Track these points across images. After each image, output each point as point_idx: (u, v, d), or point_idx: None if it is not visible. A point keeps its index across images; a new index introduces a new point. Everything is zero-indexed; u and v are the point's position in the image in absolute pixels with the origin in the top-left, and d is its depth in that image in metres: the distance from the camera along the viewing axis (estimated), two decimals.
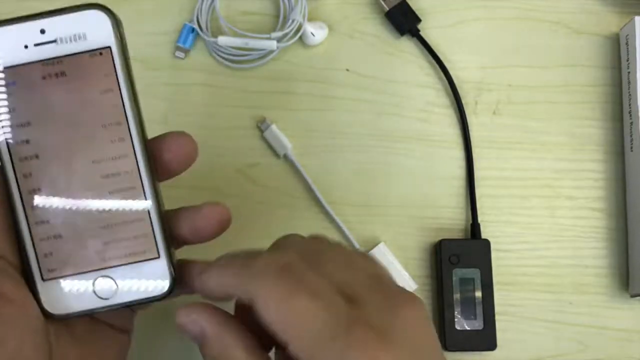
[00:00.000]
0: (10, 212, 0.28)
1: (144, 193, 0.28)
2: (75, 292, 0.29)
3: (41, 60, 0.28)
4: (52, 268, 0.28)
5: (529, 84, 0.46)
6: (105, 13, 0.28)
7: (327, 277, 0.24)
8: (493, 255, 0.42)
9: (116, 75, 0.28)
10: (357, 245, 0.43)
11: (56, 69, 0.28)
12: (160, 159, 0.28)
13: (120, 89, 0.28)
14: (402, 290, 0.26)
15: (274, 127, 0.44)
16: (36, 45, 0.28)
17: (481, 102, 0.46)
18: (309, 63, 0.46)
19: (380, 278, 0.26)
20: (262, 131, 0.44)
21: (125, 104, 0.28)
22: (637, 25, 0.44)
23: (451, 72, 0.45)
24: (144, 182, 0.28)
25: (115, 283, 0.29)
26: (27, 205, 0.28)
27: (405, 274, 0.42)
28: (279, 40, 0.45)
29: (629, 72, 0.45)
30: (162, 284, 0.28)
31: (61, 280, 0.28)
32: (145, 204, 0.28)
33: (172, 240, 0.29)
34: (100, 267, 0.29)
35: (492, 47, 0.47)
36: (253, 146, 0.44)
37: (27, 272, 0.28)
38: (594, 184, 0.45)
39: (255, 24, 0.46)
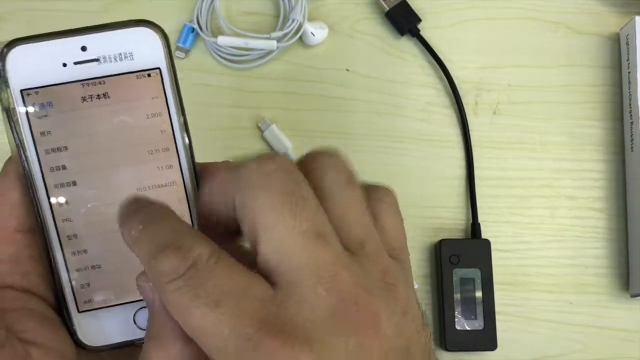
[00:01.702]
0: (45, 242, 0.26)
1: (191, 221, 0.26)
2: (114, 323, 0.27)
3: (81, 80, 0.25)
4: (89, 299, 0.26)
5: (529, 84, 0.46)
6: (156, 31, 0.26)
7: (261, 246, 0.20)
8: (493, 255, 0.42)
9: (165, 98, 0.25)
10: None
11: (98, 90, 0.25)
12: None
13: (169, 113, 0.25)
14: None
15: (274, 127, 0.44)
16: (76, 63, 0.26)
17: (481, 102, 0.46)
18: (309, 63, 0.46)
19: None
20: (262, 131, 0.44)
21: (174, 129, 0.25)
22: (638, 25, 0.44)
23: (451, 72, 0.45)
24: (191, 209, 0.26)
25: None
26: (63, 235, 0.26)
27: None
28: (279, 40, 0.45)
29: (629, 72, 0.45)
30: None
31: (99, 312, 0.27)
32: None
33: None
34: (140, 298, 0.26)
35: (492, 47, 0.47)
36: (253, 146, 0.44)
37: (61, 303, 0.26)
38: (594, 184, 0.45)
39: (255, 24, 0.46)
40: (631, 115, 0.44)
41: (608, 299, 0.43)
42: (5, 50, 0.25)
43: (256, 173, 0.20)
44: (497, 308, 0.41)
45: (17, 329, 0.23)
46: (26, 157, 0.25)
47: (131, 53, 0.26)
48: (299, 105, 0.45)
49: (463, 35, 0.47)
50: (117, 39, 0.26)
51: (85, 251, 0.26)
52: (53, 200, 0.26)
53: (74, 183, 0.26)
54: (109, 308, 0.27)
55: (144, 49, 0.26)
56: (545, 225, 0.44)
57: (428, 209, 0.44)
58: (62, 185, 0.26)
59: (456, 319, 0.41)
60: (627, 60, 0.45)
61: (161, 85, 0.25)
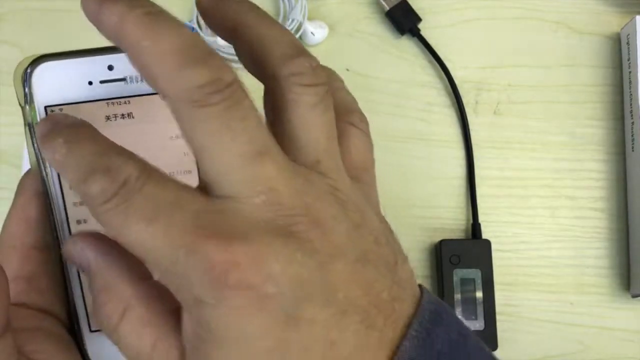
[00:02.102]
0: (60, 262, 0.25)
1: None
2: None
3: (106, 99, 0.25)
4: None
5: (530, 83, 0.46)
6: None
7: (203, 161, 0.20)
8: (494, 255, 0.42)
9: None
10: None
11: (123, 110, 0.25)
12: None
13: None
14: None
15: None
16: (102, 82, 0.25)
17: (481, 102, 0.46)
18: None
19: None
20: None
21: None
22: (638, 25, 0.44)
23: (451, 72, 0.45)
24: None
25: None
26: None
27: None
28: None
29: (629, 72, 0.45)
30: None
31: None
32: None
33: None
34: None
35: (493, 47, 0.47)
36: None
37: (74, 322, 0.26)
38: (594, 184, 0.45)
39: None
40: (632, 115, 0.44)
41: (609, 299, 0.43)
42: (31, 65, 0.25)
43: (189, 95, 0.19)
44: (497, 308, 0.41)
45: (29, 349, 0.23)
46: (46, 173, 0.25)
47: None
48: None
49: (463, 35, 0.47)
50: None
51: None
52: (71, 218, 0.25)
53: None
54: None
55: None
56: (546, 225, 0.44)
57: (428, 209, 0.44)
58: (80, 204, 0.25)
59: None
60: (628, 60, 0.45)
61: None
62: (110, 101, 0.25)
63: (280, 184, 0.19)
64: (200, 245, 0.18)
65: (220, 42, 0.44)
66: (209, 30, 0.45)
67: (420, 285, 0.23)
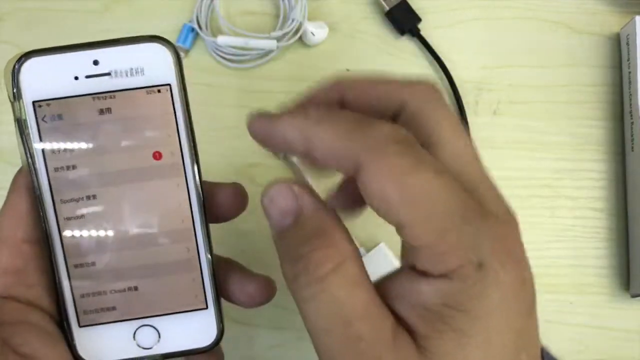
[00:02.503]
0: (49, 256, 0.26)
1: (196, 241, 0.26)
2: (114, 340, 0.27)
3: (92, 94, 0.25)
4: (90, 314, 0.27)
5: (529, 83, 0.46)
6: (167, 47, 0.26)
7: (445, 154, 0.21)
8: None
9: (175, 115, 0.26)
10: (357, 245, 0.43)
11: (108, 104, 0.25)
12: (212, 207, 0.27)
13: (178, 130, 0.26)
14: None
15: None
16: (88, 77, 0.26)
17: (481, 101, 0.46)
18: (309, 63, 0.46)
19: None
20: None
21: (182, 146, 0.26)
22: (638, 25, 0.44)
23: (451, 72, 0.45)
24: (196, 229, 0.26)
25: (158, 333, 0.27)
26: (67, 250, 0.26)
27: None
28: (278, 39, 0.45)
29: (629, 72, 0.45)
30: (208, 336, 0.27)
31: (100, 327, 0.27)
32: (197, 252, 0.26)
33: (221, 291, 0.27)
34: (143, 316, 0.27)
35: (493, 47, 0.47)
36: (253, 146, 0.44)
37: (63, 316, 0.26)
38: (594, 184, 0.45)
39: (255, 23, 0.46)
40: (631, 115, 0.44)
41: (608, 299, 0.43)
42: (19, 61, 0.25)
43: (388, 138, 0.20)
44: None
45: (15, 341, 0.24)
46: (35, 168, 0.25)
47: (142, 68, 0.26)
48: None
49: (463, 35, 0.47)
50: (129, 54, 0.26)
51: (90, 265, 0.26)
52: (60, 214, 0.26)
53: (82, 197, 0.26)
54: (110, 324, 0.27)
55: (155, 64, 0.26)
56: (546, 225, 0.44)
57: None
58: (70, 199, 0.26)
59: None
60: (628, 60, 0.45)
61: (171, 102, 0.26)
62: (96, 96, 0.25)
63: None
64: (490, 217, 0.20)
65: (220, 41, 0.44)
66: (209, 31, 0.45)
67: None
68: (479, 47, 0.47)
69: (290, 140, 0.22)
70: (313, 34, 0.45)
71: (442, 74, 0.46)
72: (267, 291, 0.28)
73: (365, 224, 0.44)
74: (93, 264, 0.26)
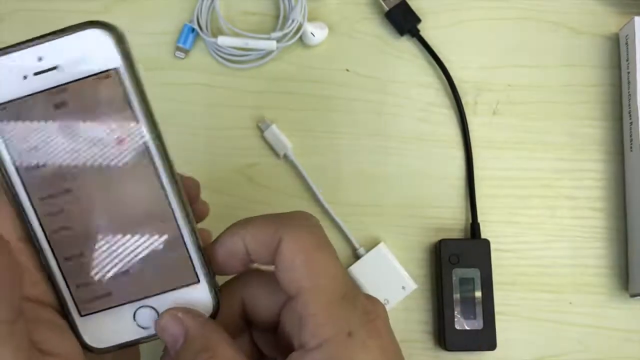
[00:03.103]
0: (38, 254, 0.26)
1: (174, 217, 0.27)
2: (116, 324, 0.28)
3: (44, 91, 0.25)
4: (89, 303, 0.27)
5: (529, 84, 0.46)
6: (106, 30, 0.25)
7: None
8: (493, 255, 0.42)
9: (129, 97, 0.25)
10: (357, 245, 0.43)
11: (62, 98, 0.25)
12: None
13: (134, 112, 0.26)
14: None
15: (274, 127, 0.44)
16: (36, 74, 0.25)
17: (481, 102, 0.46)
18: (309, 63, 0.46)
19: None
20: (262, 131, 0.44)
21: (142, 125, 0.26)
22: (637, 25, 0.44)
23: (451, 72, 0.45)
24: (173, 206, 0.27)
25: (157, 312, 0.28)
26: (54, 244, 0.26)
27: (405, 274, 0.42)
28: (278, 40, 0.45)
29: (628, 72, 0.45)
30: (205, 309, 0.27)
31: (100, 314, 0.27)
32: (177, 228, 0.27)
33: (211, 264, 0.28)
34: (139, 298, 0.28)
35: (492, 47, 0.47)
36: (253, 146, 0.44)
37: (64, 309, 0.27)
38: (593, 183, 0.45)
39: (255, 24, 0.46)
40: (630, 116, 0.44)
41: (608, 299, 0.43)
42: None
43: None
44: (496, 308, 0.41)
45: (35, 339, 0.24)
46: (5, 171, 0.26)
47: (86, 57, 0.25)
48: (299, 105, 0.45)
49: (463, 35, 0.47)
50: (70, 44, 0.25)
51: (79, 256, 0.27)
52: (39, 210, 0.26)
53: (59, 192, 0.26)
54: (109, 310, 0.28)
55: (98, 51, 0.25)
56: (545, 225, 0.44)
57: (428, 209, 0.44)
58: (47, 196, 0.26)
59: (456, 319, 0.41)
60: (627, 60, 0.45)
61: (121, 85, 0.25)
62: (48, 91, 0.25)
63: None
64: (360, 297, 0.26)
65: (220, 42, 0.44)
66: (209, 31, 0.45)
67: None
68: (478, 48, 0.47)
69: (233, 246, 0.27)
70: (313, 35, 0.45)
71: (441, 74, 0.46)
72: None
73: (365, 224, 0.44)
74: (81, 254, 0.26)
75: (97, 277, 0.27)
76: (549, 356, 0.43)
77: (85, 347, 0.27)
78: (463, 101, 0.45)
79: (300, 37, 0.45)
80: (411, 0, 0.46)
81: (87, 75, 0.25)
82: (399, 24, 0.46)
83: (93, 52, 0.25)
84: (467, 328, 0.41)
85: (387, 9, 0.46)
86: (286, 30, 0.45)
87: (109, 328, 0.28)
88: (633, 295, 0.43)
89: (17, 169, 0.26)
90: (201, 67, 0.45)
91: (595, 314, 0.43)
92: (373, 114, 0.45)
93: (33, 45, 0.25)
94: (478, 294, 0.41)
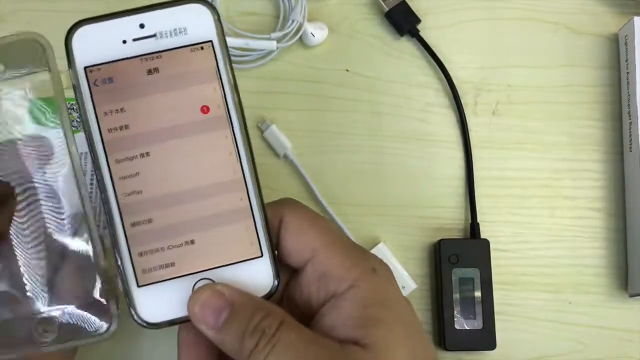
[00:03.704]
0: (106, 216, 0.27)
1: (247, 190, 0.27)
2: (174, 297, 0.27)
3: (140, 56, 0.27)
4: (149, 273, 0.27)
5: (529, 84, 0.46)
6: (206, 6, 0.27)
7: None
8: (492, 255, 0.42)
9: (218, 69, 0.27)
10: None
11: (156, 64, 0.27)
12: None
13: (222, 84, 0.27)
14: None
15: (274, 127, 0.44)
16: (135, 40, 0.27)
17: (480, 102, 0.46)
18: (309, 63, 0.46)
19: None
20: (262, 131, 0.44)
21: (227, 99, 0.27)
22: (636, 25, 0.44)
23: (451, 73, 0.46)
24: (246, 178, 0.27)
25: None
26: (124, 209, 0.26)
27: (405, 273, 0.42)
28: (278, 40, 0.45)
29: (628, 73, 0.45)
30: (264, 285, 0.27)
31: (158, 286, 0.27)
32: (248, 200, 0.27)
33: (274, 238, 0.28)
34: (201, 270, 0.27)
35: (492, 47, 0.47)
36: (253, 146, 0.44)
37: (122, 280, 0.27)
38: (593, 184, 0.45)
39: (255, 24, 0.46)
40: (630, 116, 0.44)
41: (607, 299, 0.44)
42: (70, 31, 0.27)
43: None
44: (496, 308, 0.41)
45: None
46: (89, 129, 0.27)
47: (185, 28, 0.27)
48: (299, 105, 0.45)
49: (462, 35, 0.47)
50: (172, 15, 0.27)
51: (147, 222, 0.27)
52: (114, 172, 0.27)
53: (136, 155, 0.27)
54: (169, 281, 0.27)
55: (196, 24, 0.27)
56: (545, 225, 0.44)
57: (427, 209, 0.44)
58: (124, 158, 0.27)
59: (455, 319, 0.41)
60: (626, 60, 0.45)
61: (214, 57, 0.27)
62: (143, 57, 0.27)
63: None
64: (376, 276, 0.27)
65: None
66: None
67: None
68: (478, 48, 0.47)
69: None
70: (313, 35, 0.45)
71: (441, 74, 0.46)
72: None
73: (365, 224, 0.44)
74: (150, 220, 0.26)
75: (161, 245, 0.27)
76: (548, 356, 0.43)
77: (138, 321, 0.27)
78: (463, 101, 0.45)
79: (300, 38, 0.45)
80: (411, 0, 0.46)
81: (182, 45, 0.27)
82: (398, 25, 0.46)
83: (191, 25, 0.27)
84: (466, 328, 0.41)
85: (387, 9, 0.46)
86: (286, 31, 0.45)
87: (165, 301, 0.27)
88: (632, 295, 0.43)
89: (100, 129, 0.27)
90: None
91: (594, 314, 0.43)
92: (373, 114, 0.46)
93: (137, 13, 0.27)
94: (478, 293, 0.41)
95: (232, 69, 0.27)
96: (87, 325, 0.28)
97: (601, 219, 0.45)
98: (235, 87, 0.27)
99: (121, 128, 0.27)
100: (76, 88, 0.27)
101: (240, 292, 0.26)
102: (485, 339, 0.41)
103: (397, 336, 0.25)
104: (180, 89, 0.27)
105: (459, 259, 0.42)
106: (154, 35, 0.27)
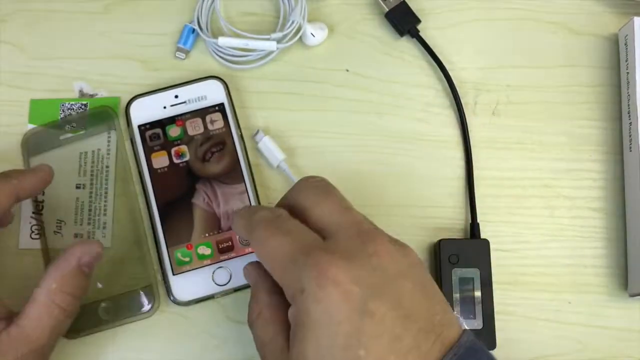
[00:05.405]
0: (152, 231, 0.40)
1: (248, 197, 0.42)
2: (198, 281, 0.39)
3: (175, 116, 0.42)
4: (181, 265, 0.40)
5: (528, 84, 0.46)
6: (219, 81, 0.43)
7: (312, 218, 0.31)
8: (492, 254, 0.42)
9: (228, 121, 0.43)
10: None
11: (186, 118, 0.42)
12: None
13: (230, 130, 0.43)
14: (382, 235, 0.31)
15: (267, 139, 0.43)
16: (172, 105, 0.42)
17: (480, 102, 0.46)
18: (309, 64, 0.46)
19: (360, 224, 0.31)
20: (256, 142, 0.44)
21: (233, 139, 0.42)
22: (636, 25, 0.44)
23: (450, 73, 0.46)
24: (248, 189, 0.42)
25: (230, 272, 0.40)
26: (164, 223, 0.40)
27: None
28: (278, 41, 0.45)
29: (627, 73, 0.45)
30: None
31: (187, 274, 0.40)
32: (247, 193, 0.42)
33: None
34: (218, 261, 0.40)
35: (492, 47, 0.47)
36: (253, 146, 0.45)
37: (162, 268, 0.40)
38: (593, 184, 0.45)
39: (255, 24, 0.46)
40: (630, 116, 0.44)
41: (607, 299, 0.44)
42: (129, 102, 0.42)
43: (305, 184, 0.34)
44: (496, 307, 0.41)
45: None
46: (141, 169, 0.41)
47: (205, 96, 0.43)
48: (299, 105, 0.45)
49: (462, 36, 0.47)
50: (196, 88, 0.43)
51: (178, 229, 0.41)
52: (159, 199, 0.41)
53: (174, 182, 0.41)
54: (194, 270, 0.40)
55: (213, 92, 0.43)
56: (544, 225, 0.44)
57: (427, 209, 0.44)
58: (164, 183, 0.41)
59: None
60: (626, 61, 0.45)
61: (225, 114, 0.43)
62: (177, 117, 0.42)
63: (366, 223, 0.31)
64: (314, 251, 0.28)
65: (220, 42, 0.44)
66: (209, 32, 0.46)
67: (468, 330, 0.29)
68: (478, 48, 0.47)
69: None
70: (313, 35, 0.45)
71: (441, 74, 0.46)
72: None
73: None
74: (182, 229, 0.41)
75: (187, 244, 0.40)
76: (548, 356, 0.43)
77: (173, 301, 0.39)
78: (463, 101, 0.45)
79: (300, 38, 0.45)
80: (411, 1, 0.46)
81: (204, 107, 0.43)
82: (398, 25, 0.46)
83: (209, 93, 0.43)
84: (466, 328, 0.41)
85: (387, 9, 0.46)
86: (286, 31, 0.45)
87: (193, 285, 0.39)
88: (632, 295, 0.43)
89: (149, 166, 0.41)
90: (201, 68, 0.45)
91: (594, 314, 0.43)
92: (373, 114, 0.46)
93: (173, 88, 0.43)
94: (478, 293, 0.41)
95: (237, 119, 0.43)
96: (138, 304, 0.39)
97: (601, 219, 0.45)
98: (240, 131, 0.43)
99: (162, 169, 0.42)
100: (133, 140, 0.42)
101: (255, 273, 0.35)
102: (485, 339, 0.41)
103: (307, 357, 0.27)
104: (202, 131, 0.42)
105: (459, 259, 0.42)
106: (184, 102, 0.42)
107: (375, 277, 0.27)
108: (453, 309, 0.41)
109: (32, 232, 0.41)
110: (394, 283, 0.27)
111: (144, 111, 0.42)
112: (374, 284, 0.27)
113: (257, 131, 0.44)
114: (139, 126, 0.42)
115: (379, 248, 0.29)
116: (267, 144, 0.43)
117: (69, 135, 0.42)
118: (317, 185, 0.33)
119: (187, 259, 0.40)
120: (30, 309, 0.33)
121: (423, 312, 0.27)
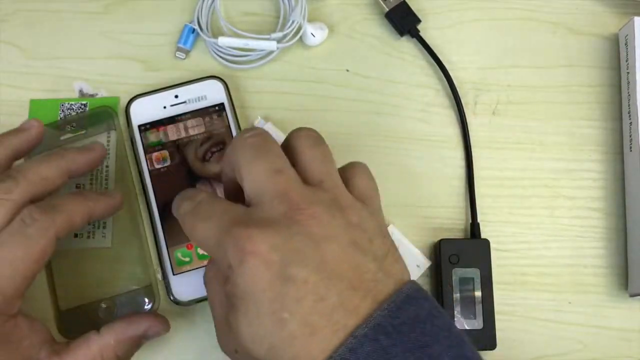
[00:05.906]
0: (153, 232, 0.41)
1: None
2: (197, 282, 0.39)
3: (175, 116, 0.42)
4: (181, 265, 0.40)
5: (529, 84, 0.46)
6: (220, 81, 0.43)
7: (243, 183, 0.31)
8: (493, 254, 0.42)
9: (228, 120, 0.42)
10: None
11: (185, 117, 0.42)
12: None
13: (230, 128, 0.42)
14: (310, 200, 0.29)
15: (269, 125, 0.44)
16: (172, 105, 0.42)
17: (480, 102, 0.46)
18: (309, 64, 0.46)
19: (286, 191, 0.29)
20: None
21: (233, 136, 0.42)
22: (636, 25, 0.44)
23: (451, 73, 0.46)
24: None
25: None
26: (164, 223, 0.40)
27: (418, 251, 0.42)
28: (279, 41, 0.45)
29: (628, 73, 0.45)
30: None
31: (186, 274, 0.40)
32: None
33: None
34: None
35: (492, 47, 0.47)
36: None
37: (162, 268, 0.40)
38: (593, 184, 0.45)
39: (255, 24, 0.46)
40: (630, 116, 0.44)
41: (607, 299, 0.44)
42: (128, 103, 0.42)
43: (239, 142, 0.31)
44: (496, 307, 0.41)
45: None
46: (141, 166, 0.41)
47: (205, 95, 0.43)
48: (299, 105, 0.45)
49: (462, 35, 0.47)
50: (196, 88, 0.43)
51: (178, 231, 0.40)
52: (159, 199, 0.41)
53: (174, 182, 0.41)
54: (193, 270, 0.40)
55: (213, 92, 0.43)
56: (545, 225, 0.44)
57: (427, 209, 0.44)
58: (163, 183, 0.41)
59: (455, 319, 0.41)
60: (626, 61, 0.45)
61: (225, 113, 0.43)
62: (177, 116, 0.42)
63: (291, 190, 0.29)
64: (233, 228, 0.28)
65: (220, 42, 0.44)
66: (209, 32, 0.46)
67: (412, 281, 0.30)
68: (478, 48, 0.47)
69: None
70: (313, 35, 0.45)
71: (441, 74, 0.46)
72: None
73: None
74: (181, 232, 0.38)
75: (186, 246, 0.40)
76: (548, 356, 0.43)
77: (173, 301, 0.39)
78: (463, 101, 0.45)
79: (301, 38, 0.45)
80: (411, 0, 0.46)
81: (204, 107, 0.42)
82: (398, 25, 0.46)
83: (209, 93, 0.43)
84: (466, 328, 0.41)
85: (387, 9, 0.46)
86: (286, 31, 0.45)
87: (192, 285, 0.39)
88: (632, 295, 0.43)
89: (148, 167, 0.41)
90: (201, 68, 0.45)
91: (594, 314, 0.43)
92: (373, 114, 0.46)
93: (173, 88, 0.43)
94: (478, 293, 0.41)
95: (237, 121, 0.43)
96: (138, 304, 0.39)
97: (601, 219, 0.45)
98: (239, 128, 0.43)
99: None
100: (133, 140, 0.42)
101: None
102: (486, 338, 0.41)
103: (239, 328, 0.28)
104: (203, 129, 0.42)
105: (459, 259, 0.42)
106: (184, 102, 0.42)
107: (296, 242, 0.27)
108: (453, 309, 0.41)
109: None
110: (318, 246, 0.27)
111: (144, 111, 0.42)
112: (294, 249, 0.27)
113: (258, 118, 0.44)
114: (139, 126, 0.42)
115: (303, 214, 0.28)
116: (269, 130, 0.44)
117: (69, 135, 0.42)
118: (251, 144, 0.31)
119: (187, 259, 0.40)
120: (79, 351, 0.34)
121: (350, 272, 0.28)
